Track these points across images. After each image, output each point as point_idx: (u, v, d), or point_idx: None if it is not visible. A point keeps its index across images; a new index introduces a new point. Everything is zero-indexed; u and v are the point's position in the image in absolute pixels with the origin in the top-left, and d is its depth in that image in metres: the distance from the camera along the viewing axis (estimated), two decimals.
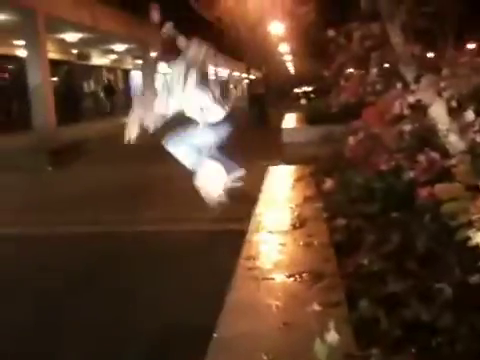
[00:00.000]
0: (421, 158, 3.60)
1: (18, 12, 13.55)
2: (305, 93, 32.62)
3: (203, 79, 5.28)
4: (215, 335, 2.08)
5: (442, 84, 3.80)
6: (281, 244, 3.25)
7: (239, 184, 4.88)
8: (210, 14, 25.60)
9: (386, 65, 4.62)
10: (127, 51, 24.91)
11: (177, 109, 5.32)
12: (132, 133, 5.18)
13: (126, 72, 29.84)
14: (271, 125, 15.40)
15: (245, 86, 41.93)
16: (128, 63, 28.76)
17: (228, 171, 5.12)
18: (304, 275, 2.64)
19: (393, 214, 3.30)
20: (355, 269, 2.62)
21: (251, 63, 27.61)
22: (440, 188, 2.71)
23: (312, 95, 29.61)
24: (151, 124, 5.19)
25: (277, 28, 24.30)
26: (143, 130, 5.25)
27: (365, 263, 2.63)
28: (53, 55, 17.76)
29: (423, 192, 3.24)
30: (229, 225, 5.01)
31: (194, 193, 5.54)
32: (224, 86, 39.41)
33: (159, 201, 6.73)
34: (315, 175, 5.30)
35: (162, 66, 5.56)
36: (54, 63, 17.11)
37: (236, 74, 48.18)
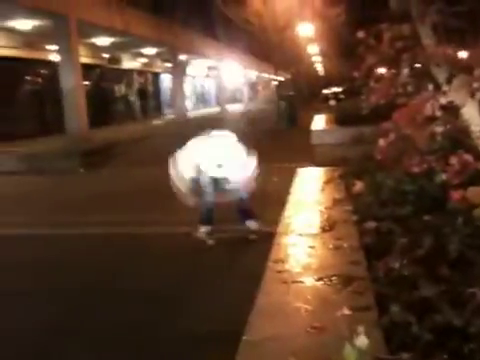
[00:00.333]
0: (453, 160, 3.54)
1: (51, 17, 13.83)
2: (334, 94, 32.35)
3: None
4: (244, 338, 2.09)
5: (475, 85, 3.72)
6: (310, 247, 3.24)
7: (254, 238, 4.87)
8: (238, 16, 25.74)
9: (417, 65, 4.56)
10: (157, 54, 25.18)
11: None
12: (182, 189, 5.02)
13: (156, 75, 30.16)
14: (300, 126, 15.34)
15: (274, 88, 41.92)
16: (158, 66, 29.04)
17: (244, 219, 5.00)
18: (333, 278, 2.63)
19: (425, 217, 3.25)
20: (385, 273, 2.59)
21: (280, 64, 27.60)
22: (473, 191, 2.67)
23: (341, 96, 29.41)
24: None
25: (306, 29, 24.16)
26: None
27: (396, 267, 2.60)
28: (85, 59, 18.05)
29: (455, 195, 3.19)
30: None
31: None
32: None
33: None
34: (344, 177, 5.27)
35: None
36: (86, 67, 17.39)
37: (264, 75, 48.11)
